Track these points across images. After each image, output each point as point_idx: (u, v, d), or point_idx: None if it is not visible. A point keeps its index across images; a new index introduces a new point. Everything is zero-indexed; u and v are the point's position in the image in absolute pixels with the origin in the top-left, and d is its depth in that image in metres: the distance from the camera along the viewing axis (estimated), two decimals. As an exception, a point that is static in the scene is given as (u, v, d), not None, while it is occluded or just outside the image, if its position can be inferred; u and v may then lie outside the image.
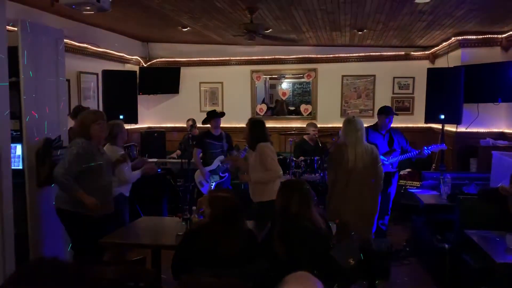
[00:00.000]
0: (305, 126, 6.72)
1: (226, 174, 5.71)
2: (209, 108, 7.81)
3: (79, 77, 6.40)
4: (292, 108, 8.59)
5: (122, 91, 6.70)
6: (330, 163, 4.24)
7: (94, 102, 6.73)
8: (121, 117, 6.40)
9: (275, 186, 3.83)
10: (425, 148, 5.02)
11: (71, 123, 4.84)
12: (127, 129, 7.37)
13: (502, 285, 3.25)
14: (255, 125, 4.17)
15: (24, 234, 3.81)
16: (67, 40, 5.45)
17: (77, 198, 3.43)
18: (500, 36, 6.03)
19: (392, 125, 5.21)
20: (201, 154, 5.56)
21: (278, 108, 8.54)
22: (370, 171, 3.95)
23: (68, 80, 5.78)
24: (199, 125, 6.53)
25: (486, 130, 6.22)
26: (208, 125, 5.67)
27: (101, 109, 6.48)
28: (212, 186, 5.58)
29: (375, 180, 4.00)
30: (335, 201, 4.03)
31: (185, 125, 7.21)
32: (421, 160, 7.05)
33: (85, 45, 6.30)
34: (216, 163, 5.56)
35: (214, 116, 5.57)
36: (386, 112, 5.14)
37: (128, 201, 4.38)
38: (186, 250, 2.77)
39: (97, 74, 6.78)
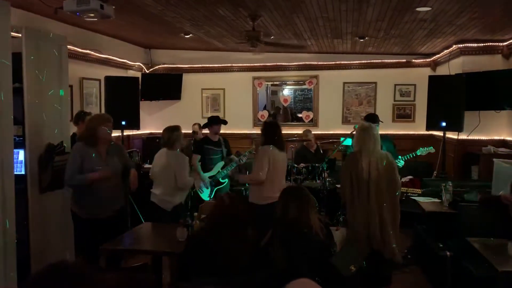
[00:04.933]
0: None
1: (226, 180, 5.71)
2: (210, 114, 7.82)
3: (81, 83, 6.43)
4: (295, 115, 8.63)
5: (125, 97, 6.72)
6: (344, 172, 3.92)
7: (96, 108, 6.76)
8: (123, 123, 6.45)
9: (258, 191, 4.17)
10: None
11: (73, 129, 4.86)
12: (128, 135, 7.46)
13: (504, 293, 3.23)
14: (268, 127, 4.36)
15: (25, 241, 3.80)
16: (70, 47, 5.48)
17: (90, 181, 3.61)
18: (501, 44, 6.04)
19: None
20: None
21: (282, 115, 8.55)
22: (387, 179, 3.75)
23: (71, 86, 5.81)
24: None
25: (488, 138, 6.22)
26: (207, 131, 5.70)
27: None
28: (213, 192, 5.58)
29: (394, 187, 3.78)
30: (358, 214, 3.76)
31: (188, 131, 7.21)
32: (422, 167, 7.05)
33: (88, 51, 6.34)
34: (216, 169, 5.56)
35: (215, 122, 5.58)
36: (369, 120, 5.16)
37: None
38: (188, 256, 2.76)
39: (99, 80, 6.81)
